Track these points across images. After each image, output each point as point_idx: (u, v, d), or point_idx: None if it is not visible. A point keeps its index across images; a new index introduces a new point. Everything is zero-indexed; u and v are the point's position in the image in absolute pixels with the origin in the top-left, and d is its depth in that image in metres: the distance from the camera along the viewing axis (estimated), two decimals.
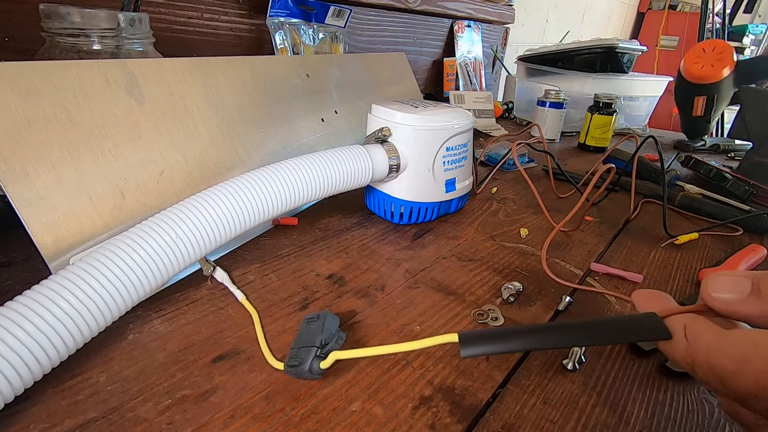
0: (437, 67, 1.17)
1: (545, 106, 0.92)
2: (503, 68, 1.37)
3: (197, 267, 0.37)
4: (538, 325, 0.24)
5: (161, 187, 0.36)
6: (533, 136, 0.92)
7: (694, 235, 0.50)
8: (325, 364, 0.26)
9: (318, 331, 0.28)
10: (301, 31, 0.73)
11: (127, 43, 0.43)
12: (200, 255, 0.32)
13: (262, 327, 0.31)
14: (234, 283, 0.36)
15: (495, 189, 0.63)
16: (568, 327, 0.22)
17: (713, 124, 0.97)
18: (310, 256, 0.41)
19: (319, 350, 0.27)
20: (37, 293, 0.24)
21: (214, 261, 0.39)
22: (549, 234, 0.43)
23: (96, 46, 0.41)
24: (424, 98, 0.72)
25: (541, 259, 0.43)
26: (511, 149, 0.73)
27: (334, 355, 0.26)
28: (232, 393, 0.26)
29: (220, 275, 0.36)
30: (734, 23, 2.14)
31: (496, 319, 0.34)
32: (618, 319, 0.23)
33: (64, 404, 0.24)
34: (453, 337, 0.22)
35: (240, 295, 0.34)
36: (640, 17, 2.65)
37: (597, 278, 0.41)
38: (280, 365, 0.28)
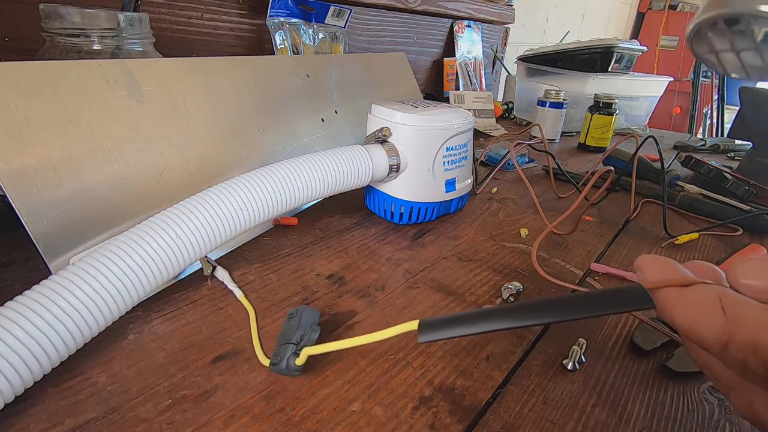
0: (437, 67, 1.17)
1: (545, 106, 0.92)
2: (503, 68, 1.37)
3: (197, 267, 0.37)
4: (504, 306, 0.22)
5: (161, 187, 0.36)
6: (533, 136, 0.92)
7: (694, 236, 0.50)
8: (299, 361, 0.26)
9: (295, 328, 0.28)
10: (301, 31, 0.73)
11: (127, 43, 0.43)
12: (200, 255, 0.32)
13: (258, 325, 0.31)
14: (234, 281, 0.36)
15: (495, 189, 0.63)
16: (533, 305, 0.20)
17: None
18: (310, 256, 0.41)
19: (296, 347, 0.27)
20: (37, 293, 0.24)
21: (214, 261, 0.39)
22: (549, 234, 0.43)
23: (96, 46, 0.41)
24: (424, 98, 0.72)
25: (542, 260, 0.43)
26: (509, 150, 0.73)
27: (306, 351, 0.26)
28: (232, 393, 0.26)
29: (221, 273, 0.36)
30: None
31: None
32: (594, 292, 0.20)
33: (64, 404, 0.24)
34: (413, 325, 0.22)
35: (239, 293, 0.35)
36: (640, 17, 2.65)
37: (597, 278, 0.41)
38: (268, 362, 0.28)
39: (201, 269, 0.37)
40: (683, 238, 0.50)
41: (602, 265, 0.42)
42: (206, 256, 0.37)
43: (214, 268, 0.37)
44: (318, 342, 0.27)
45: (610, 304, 0.19)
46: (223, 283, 0.36)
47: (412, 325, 0.22)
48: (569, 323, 0.35)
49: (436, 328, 0.21)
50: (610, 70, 1.02)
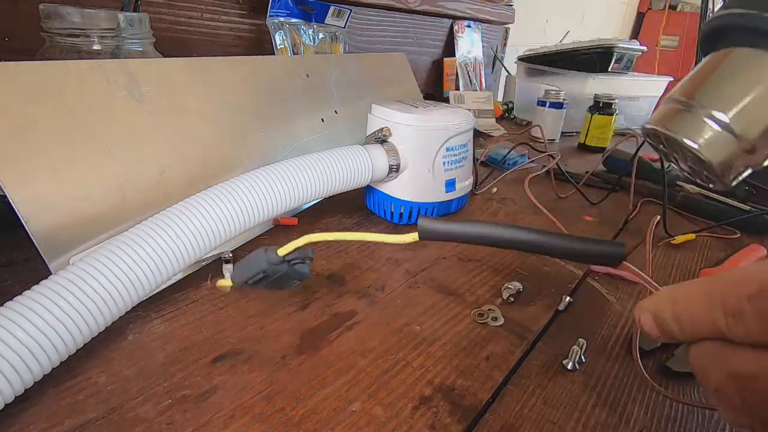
0: (437, 67, 1.17)
1: (545, 106, 0.92)
2: (503, 68, 1.37)
3: (198, 267, 0.37)
4: (494, 223, 0.25)
5: (161, 187, 0.36)
6: (533, 137, 0.92)
7: (691, 236, 0.50)
8: (282, 251, 0.25)
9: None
10: (301, 31, 0.73)
11: (127, 43, 0.43)
12: (200, 255, 0.32)
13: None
14: None
15: (495, 189, 0.63)
16: (525, 232, 0.22)
17: None
18: None
19: (276, 247, 0.26)
20: (37, 293, 0.24)
21: (213, 261, 0.39)
22: None
23: (96, 46, 0.41)
24: (424, 98, 0.72)
25: (541, 260, 0.43)
26: (510, 149, 0.73)
27: (304, 239, 0.25)
28: (232, 393, 0.26)
29: (229, 269, 0.37)
30: None
31: (496, 319, 0.34)
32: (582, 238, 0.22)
33: (64, 404, 0.24)
34: (414, 236, 0.24)
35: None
36: (640, 17, 2.65)
37: (597, 278, 0.41)
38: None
39: (201, 270, 0.37)
40: (680, 239, 0.50)
41: (601, 266, 0.42)
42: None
43: (228, 260, 0.37)
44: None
45: (591, 254, 0.22)
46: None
47: (413, 236, 0.24)
48: (569, 323, 0.35)
49: (433, 231, 0.23)
50: (610, 70, 1.02)
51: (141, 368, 0.27)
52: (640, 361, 0.27)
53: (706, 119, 0.20)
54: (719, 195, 0.61)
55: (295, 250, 0.26)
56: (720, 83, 0.20)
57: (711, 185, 0.24)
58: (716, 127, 0.20)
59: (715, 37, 0.23)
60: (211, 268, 0.38)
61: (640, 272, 0.22)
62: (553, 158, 0.65)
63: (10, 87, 0.29)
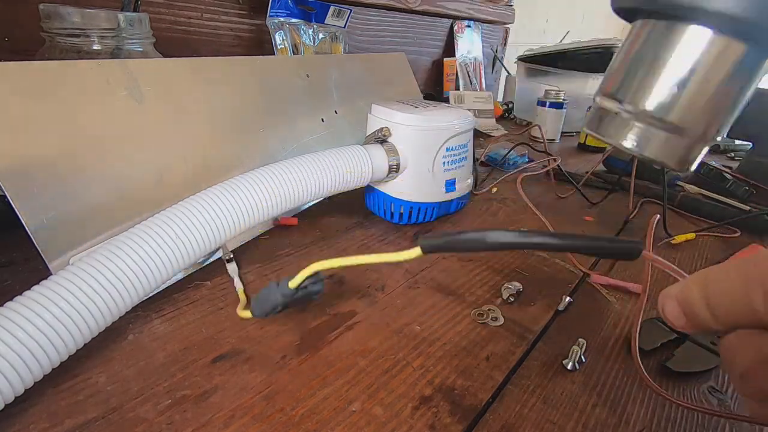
0: (437, 67, 1.17)
1: (545, 106, 0.92)
2: (503, 68, 1.37)
3: (198, 267, 0.37)
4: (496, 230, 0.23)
5: (161, 187, 0.36)
6: (533, 137, 0.92)
7: (691, 236, 0.50)
8: (293, 283, 0.25)
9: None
10: (301, 31, 0.73)
11: (127, 43, 0.43)
12: (200, 255, 0.32)
13: (247, 298, 0.32)
14: (240, 277, 0.37)
15: (495, 189, 0.63)
16: (534, 234, 0.20)
17: None
18: (310, 257, 0.41)
19: (288, 278, 0.26)
20: (37, 293, 0.24)
21: (213, 261, 0.39)
22: None
23: (96, 46, 0.41)
24: (424, 98, 0.72)
25: (542, 259, 0.43)
26: (510, 149, 0.73)
27: (310, 268, 0.25)
28: (232, 393, 0.26)
29: (232, 268, 0.37)
30: None
31: (496, 319, 0.34)
32: (591, 236, 0.21)
33: (64, 404, 0.24)
34: (417, 251, 0.23)
35: (240, 286, 0.35)
36: None
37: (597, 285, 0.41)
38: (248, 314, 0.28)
39: (201, 270, 0.37)
40: (680, 238, 0.50)
41: (603, 276, 0.41)
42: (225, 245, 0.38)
43: (230, 259, 0.37)
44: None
45: (603, 251, 0.20)
46: (225, 276, 0.36)
47: (416, 251, 0.23)
48: (569, 323, 0.35)
49: (436, 243, 0.22)
50: None
51: (141, 368, 0.27)
52: (640, 361, 0.27)
53: (630, 118, 0.19)
54: (719, 195, 0.61)
55: (305, 279, 0.26)
56: (636, 71, 0.19)
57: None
58: (641, 124, 0.19)
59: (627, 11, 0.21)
60: (212, 268, 0.38)
61: (662, 260, 0.21)
62: (555, 161, 0.65)
63: (10, 87, 0.29)
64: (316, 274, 0.27)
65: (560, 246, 0.21)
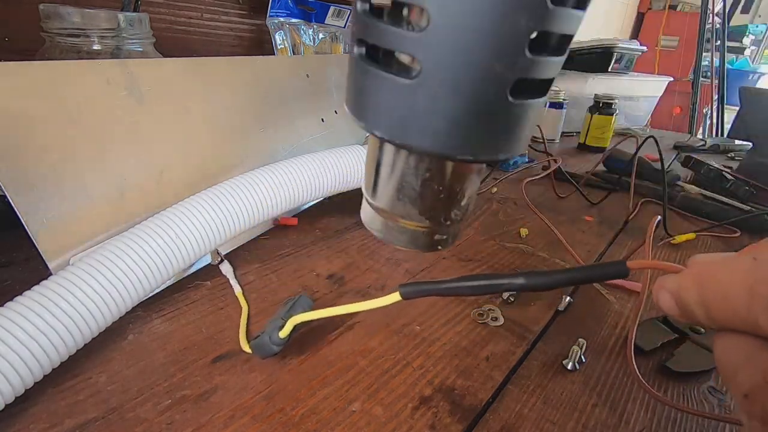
0: None
1: (545, 106, 0.92)
2: None
3: (198, 267, 0.37)
4: (485, 274, 0.23)
5: (161, 187, 0.36)
6: (533, 136, 0.92)
7: (691, 236, 0.50)
8: (284, 333, 0.26)
9: (287, 309, 0.28)
10: (301, 31, 0.73)
11: (127, 43, 0.43)
12: (200, 255, 0.32)
13: (248, 321, 0.32)
14: (236, 278, 0.36)
15: (495, 189, 0.63)
16: (519, 274, 0.20)
17: None
18: (310, 256, 0.41)
19: (283, 323, 0.27)
20: (38, 293, 0.24)
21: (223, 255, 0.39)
22: (549, 234, 0.43)
23: (96, 47, 0.41)
24: None
25: (541, 260, 0.43)
26: None
27: (292, 321, 0.26)
28: (232, 393, 0.26)
29: (226, 268, 0.37)
30: (734, 23, 2.14)
31: (496, 319, 0.34)
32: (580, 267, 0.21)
33: (64, 404, 0.24)
34: (396, 296, 0.23)
35: (237, 289, 0.35)
36: (640, 17, 2.65)
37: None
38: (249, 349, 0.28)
39: (200, 270, 0.37)
40: (680, 238, 0.50)
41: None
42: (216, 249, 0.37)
43: (221, 260, 0.37)
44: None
45: (587, 278, 0.20)
46: (225, 277, 0.36)
47: (395, 296, 0.23)
48: (569, 323, 0.35)
49: (416, 288, 0.22)
50: (610, 70, 1.02)
51: (141, 368, 0.27)
52: (635, 362, 0.27)
53: (374, 209, 0.21)
54: (719, 195, 0.61)
55: (293, 329, 0.27)
56: (366, 171, 0.21)
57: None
58: (379, 216, 0.21)
59: None
60: (212, 268, 0.38)
61: (651, 262, 0.20)
62: (556, 161, 0.65)
63: (10, 87, 0.29)
64: (306, 302, 0.29)
65: (541, 285, 0.20)
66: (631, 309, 0.37)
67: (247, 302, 0.34)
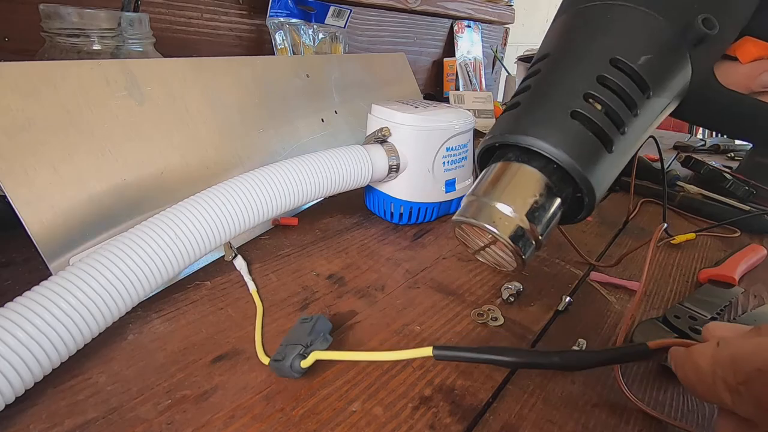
0: (437, 67, 1.17)
1: None
2: (503, 68, 1.37)
3: (198, 267, 0.38)
4: (515, 348, 0.30)
5: (161, 187, 0.36)
6: None
7: (691, 236, 0.50)
8: (305, 363, 0.26)
9: (307, 332, 0.28)
10: (301, 31, 0.73)
11: (127, 43, 0.43)
12: (200, 255, 0.32)
13: (263, 324, 0.32)
14: (250, 273, 0.37)
15: None
16: (550, 354, 0.25)
17: None
18: (310, 256, 0.41)
19: (304, 349, 0.27)
20: (38, 294, 0.24)
21: (213, 261, 0.39)
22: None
23: (96, 47, 0.41)
24: (424, 98, 0.72)
25: (541, 260, 0.43)
26: None
27: (315, 355, 0.27)
28: (232, 393, 0.26)
29: (240, 263, 0.37)
30: None
31: (496, 319, 0.34)
32: (599, 351, 0.26)
33: (64, 404, 0.24)
34: (428, 351, 0.25)
35: (252, 286, 0.35)
36: None
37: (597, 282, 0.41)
38: (268, 361, 0.28)
39: (200, 270, 0.37)
40: (680, 238, 0.50)
41: (601, 274, 0.42)
42: (230, 243, 0.38)
43: (235, 255, 0.37)
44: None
45: (614, 359, 0.25)
46: (226, 276, 0.36)
47: (427, 351, 0.25)
48: (569, 323, 0.35)
49: (450, 353, 0.26)
50: None
51: (141, 368, 0.27)
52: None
53: (496, 207, 0.28)
54: (719, 195, 0.61)
55: (314, 362, 0.27)
56: (502, 185, 0.29)
57: (507, 268, 0.31)
58: (504, 212, 0.27)
59: (488, 153, 0.32)
60: (212, 268, 0.38)
61: (672, 339, 0.24)
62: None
63: (10, 87, 0.29)
64: (326, 326, 0.30)
65: (575, 365, 0.25)
66: (630, 309, 0.37)
67: (261, 301, 0.34)
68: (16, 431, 0.23)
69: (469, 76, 1.19)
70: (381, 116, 0.46)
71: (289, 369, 0.26)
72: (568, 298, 0.36)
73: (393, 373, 0.28)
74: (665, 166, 0.55)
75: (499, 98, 1.42)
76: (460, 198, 0.51)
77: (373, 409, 0.26)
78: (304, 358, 0.27)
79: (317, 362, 0.28)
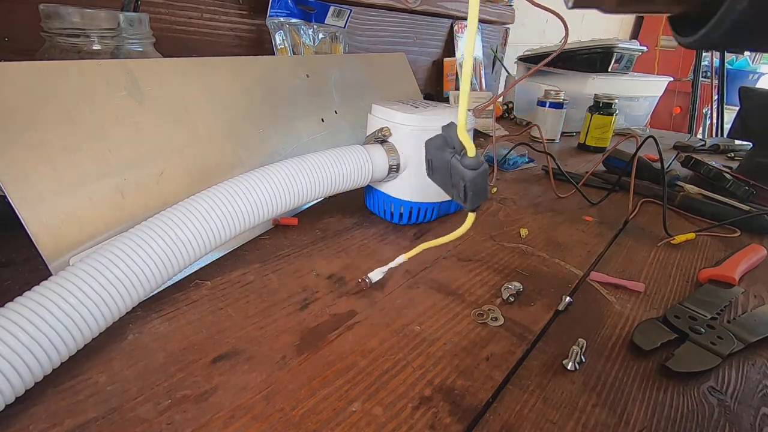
0: (437, 67, 1.17)
1: (545, 106, 0.92)
2: (503, 68, 1.37)
3: (197, 267, 0.37)
4: None
5: (161, 187, 0.36)
6: (533, 137, 0.92)
7: (691, 236, 0.50)
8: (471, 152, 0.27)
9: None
10: (301, 31, 0.73)
11: (127, 43, 0.43)
12: (200, 255, 0.32)
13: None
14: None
15: (495, 189, 0.63)
16: None
17: None
18: (310, 256, 0.41)
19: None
20: (38, 294, 0.24)
21: (213, 261, 0.39)
22: (549, 234, 0.43)
23: (96, 47, 0.41)
24: (424, 98, 0.72)
25: (541, 260, 0.43)
26: (510, 149, 0.73)
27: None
28: (232, 393, 0.26)
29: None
30: None
31: (496, 319, 0.34)
32: None
33: (64, 404, 0.24)
34: None
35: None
36: (640, 17, 2.65)
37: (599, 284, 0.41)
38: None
39: (200, 270, 0.37)
40: (680, 238, 0.50)
41: (601, 273, 0.41)
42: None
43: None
44: None
45: None
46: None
47: None
48: (569, 323, 0.35)
49: None
50: (610, 70, 1.02)
51: (141, 368, 0.27)
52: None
53: None
54: (719, 195, 0.61)
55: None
56: None
57: None
58: None
59: None
60: (212, 268, 0.38)
61: None
62: (553, 158, 0.65)
63: (10, 87, 0.29)
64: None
65: None
66: (631, 309, 0.37)
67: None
68: (16, 431, 0.23)
69: None
70: (381, 116, 0.46)
71: (461, 169, 0.27)
72: (568, 298, 0.36)
73: (393, 373, 0.28)
74: (665, 166, 0.55)
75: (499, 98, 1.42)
76: None
77: (373, 409, 0.26)
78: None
79: (317, 362, 0.28)
